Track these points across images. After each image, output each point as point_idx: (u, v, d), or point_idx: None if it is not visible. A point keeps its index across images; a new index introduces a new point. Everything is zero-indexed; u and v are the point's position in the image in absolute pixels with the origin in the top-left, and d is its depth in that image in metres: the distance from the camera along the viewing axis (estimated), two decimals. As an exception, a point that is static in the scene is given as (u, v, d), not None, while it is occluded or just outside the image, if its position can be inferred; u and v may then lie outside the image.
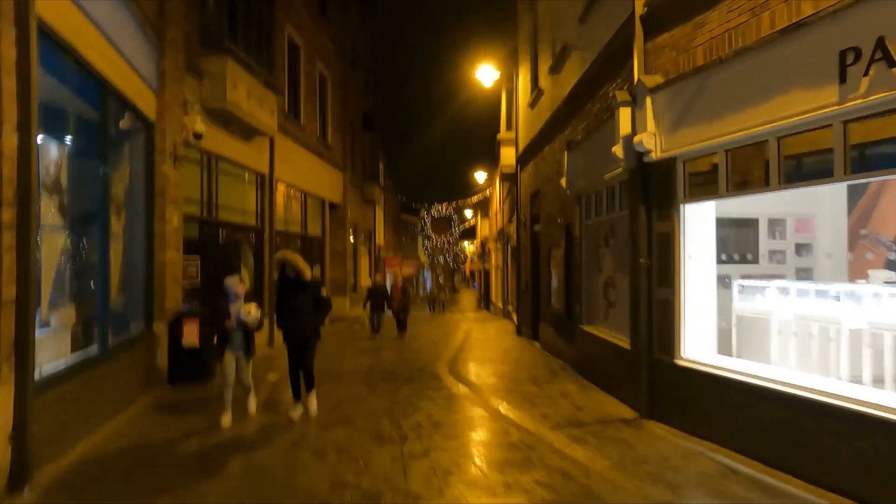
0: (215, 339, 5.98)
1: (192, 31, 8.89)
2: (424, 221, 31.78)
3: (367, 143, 23.25)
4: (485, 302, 33.88)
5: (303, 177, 14.24)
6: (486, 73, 14.67)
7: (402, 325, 13.84)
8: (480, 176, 28.03)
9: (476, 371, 9.07)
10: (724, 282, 5.83)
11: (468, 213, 37.64)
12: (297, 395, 6.22)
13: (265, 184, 11.87)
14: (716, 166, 4.99)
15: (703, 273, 5.42)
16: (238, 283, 6.00)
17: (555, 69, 9.87)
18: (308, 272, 6.11)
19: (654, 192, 5.70)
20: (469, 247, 51.50)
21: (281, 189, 12.98)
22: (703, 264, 5.43)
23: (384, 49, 28.17)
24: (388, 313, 14.26)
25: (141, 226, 7.42)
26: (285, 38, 13.10)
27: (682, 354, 5.38)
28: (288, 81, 13.32)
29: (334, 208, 17.87)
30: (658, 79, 5.49)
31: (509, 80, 15.72)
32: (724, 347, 5.49)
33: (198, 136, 8.40)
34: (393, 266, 32.22)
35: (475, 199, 28.93)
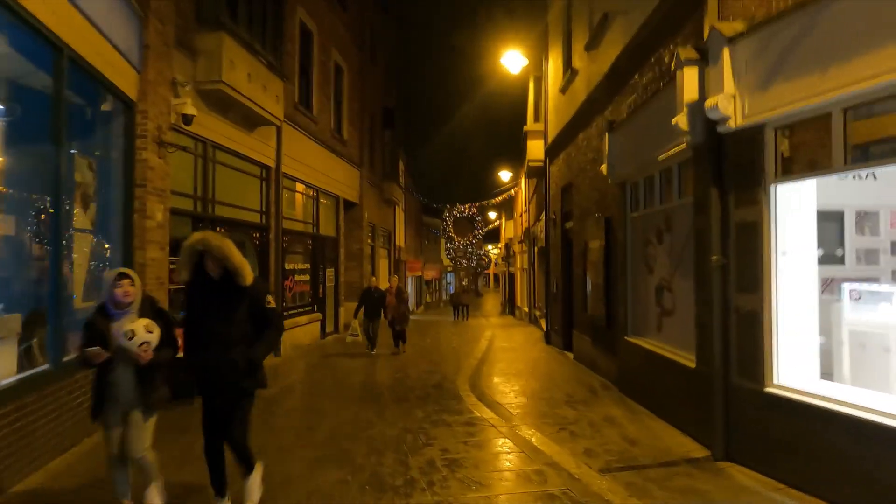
0: (93, 380, 3.56)
1: (187, 6, 7.97)
2: (447, 222, 30.64)
3: (386, 140, 22.28)
4: (509, 307, 32.60)
5: (315, 172, 13.28)
6: (512, 60, 13.54)
7: (399, 337, 11.61)
8: (505, 175, 26.83)
9: (502, 388, 7.90)
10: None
11: (492, 214, 36.46)
12: (218, 486, 3.60)
13: (271, 178, 10.92)
14: (823, 131, 3.76)
15: (801, 275, 4.18)
16: (125, 285, 3.51)
17: (592, 44, 8.67)
18: (247, 270, 3.56)
19: (732, 170, 4.48)
20: (493, 250, 50.27)
21: (289, 184, 12.02)
22: (802, 263, 4.19)
23: (405, 43, 27.19)
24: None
25: (117, 220, 6.48)
26: (297, 21, 12.17)
27: (774, 380, 4.15)
28: (299, 69, 12.39)
29: (350, 207, 16.90)
30: (739, 25, 4.28)
31: (537, 66, 14.54)
32: (830, 371, 4.23)
33: (188, 121, 7.44)
34: (415, 269, 31.20)
35: (499, 199, 27.71)
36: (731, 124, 4.29)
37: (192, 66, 8.04)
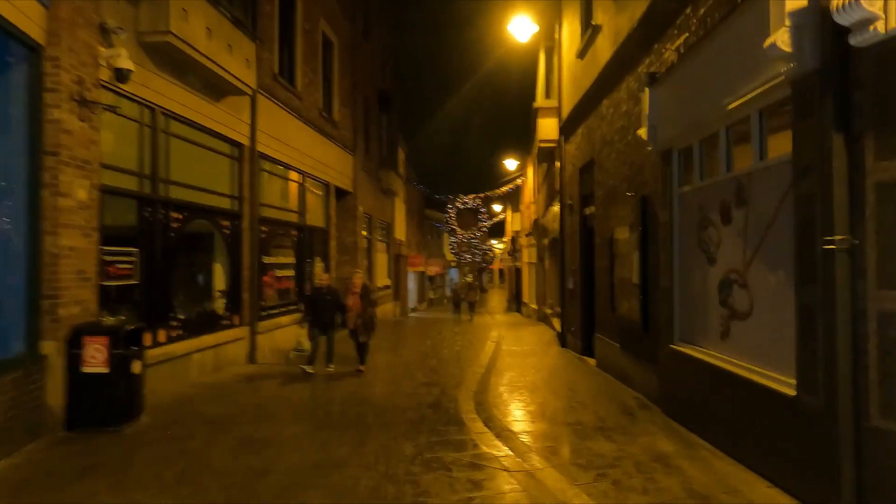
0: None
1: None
2: (449, 214, 29.13)
3: (383, 125, 20.78)
4: (516, 303, 31.11)
5: (300, 155, 11.80)
6: (521, 27, 12.05)
7: (360, 350, 8.76)
8: (511, 164, 25.30)
9: (515, 408, 6.42)
10: None
11: (497, 207, 34.92)
12: None
13: (244, 157, 9.44)
14: None
15: None
16: None
17: (620, -12, 7.16)
18: None
19: (872, 105, 2.99)
20: (497, 245, 48.72)
21: (269, 167, 10.55)
22: None
23: (402, 20, 25.58)
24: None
25: (19, 197, 5.03)
26: (274, -19, 10.68)
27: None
28: (280, 37, 10.89)
29: (343, 196, 15.42)
30: None
31: (548, 35, 13.02)
32: None
33: (123, 77, 5.96)
34: (416, 265, 29.73)
35: (504, 189, 26.19)
36: (882, 28, 2.77)
37: (132, 12, 6.56)
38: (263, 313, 10.17)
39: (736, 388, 4.30)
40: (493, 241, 51.14)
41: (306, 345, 8.88)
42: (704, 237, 5.06)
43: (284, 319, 10.96)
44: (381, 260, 20.51)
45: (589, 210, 9.53)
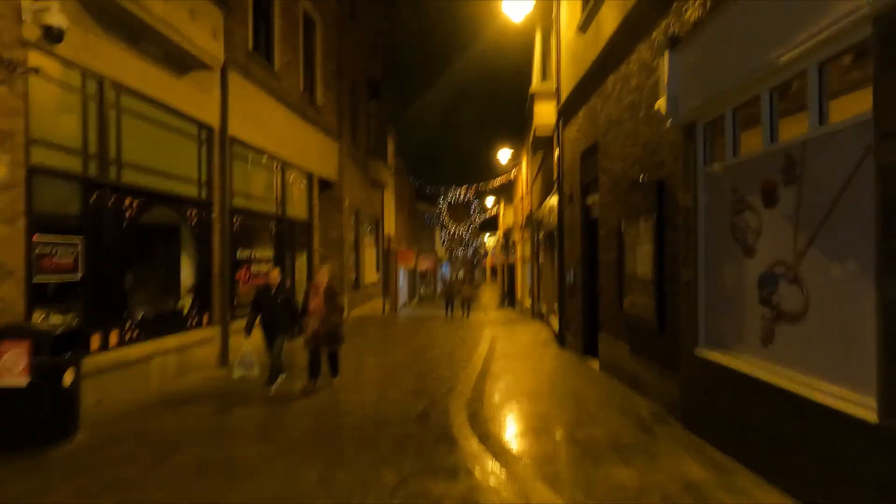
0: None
1: None
2: (441, 208, 28.30)
3: (371, 113, 19.90)
4: (509, 299, 30.40)
5: (279, 140, 10.93)
6: (515, 6, 11.19)
7: (330, 363, 7.23)
8: (504, 155, 24.50)
9: (514, 421, 5.64)
10: None
11: (489, 202, 34.12)
12: None
13: (214, 141, 8.57)
14: None
15: None
16: None
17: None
18: None
19: None
20: (490, 240, 47.95)
21: (242, 152, 9.67)
22: None
23: (394, 4, 24.64)
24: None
25: (-83, 175, 4.17)
26: (248, -51, 9.77)
27: None
28: (254, 10, 9.99)
29: (327, 187, 14.56)
30: None
31: (545, 16, 12.21)
32: None
33: (54, 36, 5.09)
34: (407, 260, 28.90)
35: (498, 181, 25.40)
36: None
37: (71, -34, 5.69)
38: (238, 312, 9.32)
39: (784, 405, 3.54)
40: (486, 236, 50.42)
41: (254, 360, 6.76)
42: (739, 223, 4.29)
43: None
44: (370, 255, 19.68)
45: (592, 199, 8.76)
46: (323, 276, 7.24)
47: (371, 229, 20.05)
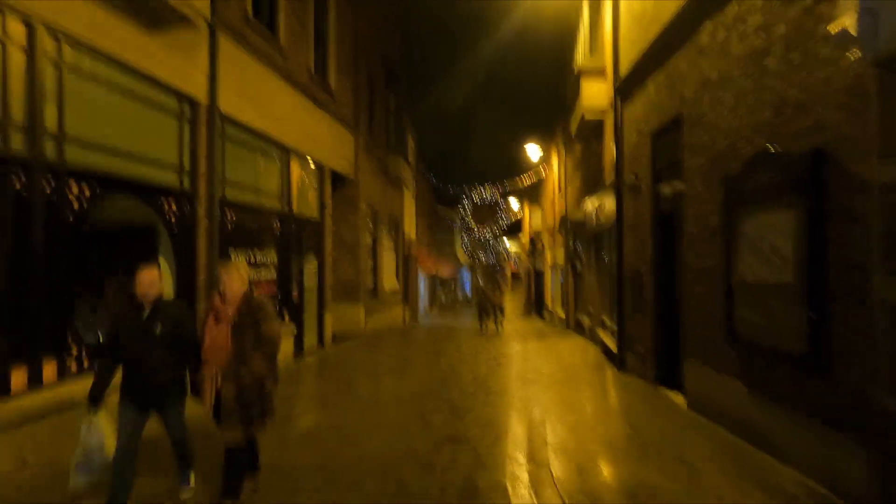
0: None
1: None
2: (465, 208, 26.57)
3: (390, 105, 18.29)
4: (536, 309, 28.48)
5: (283, 124, 9.33)
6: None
7: (229, 465, 3.66)
8: (533, 151, 22.68)
9: None
10: None
11: (514, 205, 32.29)
12: None
13: (199, 117, 6.97)
14: None
15: None
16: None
17: None
18: None
19: None
20: (512, 245, 46.01)
21: (236, 135, 8.07)
22: None
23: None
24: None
25: None
26: None
27: None
28: (254, -30, 8.43)
29: (341, 183, 12.96)
30: None
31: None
32: None
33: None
34: (428, 265, 27.22)
35: (527, 180, 23.58)
36: None
37: None
38: (230, 328, 7.69)
39: None
40: (508, 242, 48.51)
41: (105, 445, 3.51)
42: None
43: (261, 334, 8.48)
44: (389, 260, 18.02)
45: (669, 188, 6.96)
46: (233, 282, 3.71)
47: (390, 232, 18.41)
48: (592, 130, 11.29)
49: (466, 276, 51.32)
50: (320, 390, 7.56)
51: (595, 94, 10.43)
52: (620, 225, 8.82)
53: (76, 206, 5.07)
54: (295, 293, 10.01)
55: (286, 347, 9.35)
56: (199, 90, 6.90)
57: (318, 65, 11.26)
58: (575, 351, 11.67)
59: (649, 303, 7.53)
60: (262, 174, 9.05)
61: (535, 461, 4.53)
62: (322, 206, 11.42)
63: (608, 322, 10.83)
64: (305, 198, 10.71)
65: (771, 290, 4.43)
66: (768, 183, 4.45)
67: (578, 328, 16.07)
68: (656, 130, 7.28)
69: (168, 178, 6.54)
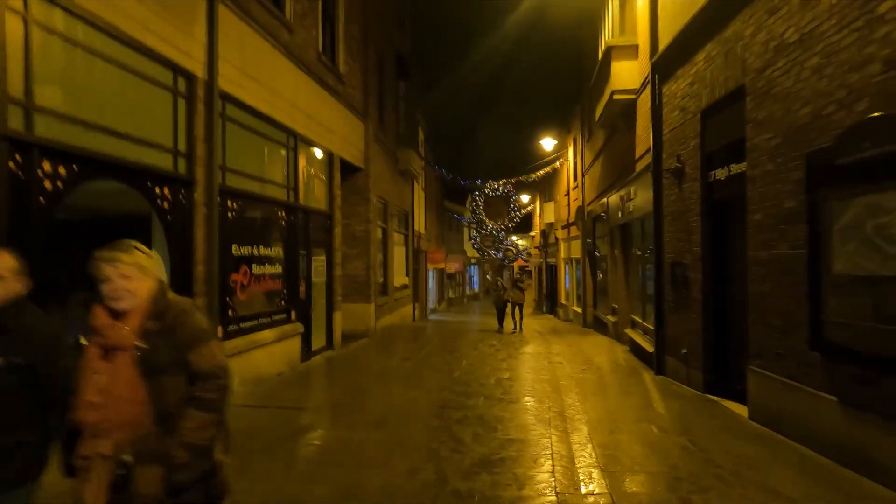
0: None
1: None
2: (477, 202, 25.75)
3: (400, 95, 17.53)
4: (548, 305, 27.69)
5: (290, 107, 8.59)
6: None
7: None
8: (548, 144, 21.88)
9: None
10: None
11: (524, 198, 31.46)
12: None
13: (197, 94, 6.23)
14: None
15: None
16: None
17: None
18: None
19: None
20: (519, 240, 45.15)
21: (239, 116, 7.33)
22: None
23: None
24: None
25: None
26: None
27: None
28: (257, -64, 7.67)
29: (351, 173, 12.23)
30: None
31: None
32: None
33: None
34: (437, 261, 26.47)
35: (542, 172, 22.76)
36: None
37: None
38: (232, 327, 7.00)
39: None
40: (514, 237, 47.63)
41: None
42: None
43: (267, 335, 7.78)
44: (399, 255, 17.29)
45: (724, 172, 6.18)
46: (125, 280, 2.07)
47: (400, 226, 17.67)
48: (620, 114, 10.49)
49: (474, 271, 50.55)
50: (331, 399, 6.84)
51: (626, 73, 9.63)
52: (659, 214, 8.04)
53: (49, 186, 4.35)
54: (302, 289, 9.29)
55: (291, 350, 8.64)
56: (195, 64, 6.16)
57: (326, 46, 10.50)
58: (601, 351, 10.90)
59: (697, 300, 6.75)
60: (267, 161, 8.32)
61: (592, 490, 3.79)
62: (331, 197, 10.69)
63: (639, 320, 10.06)
64: (313, 188, 9.98)
65: (883, 286, 3.66)
66: (877, 156, 3.67)
67: (599, 326, 15.31)
68: (707, 108, 6.49)
69: (161, 160, 5.80)
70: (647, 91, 8.83)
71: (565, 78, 15.97)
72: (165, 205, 5.83)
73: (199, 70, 6.22)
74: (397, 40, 17.02)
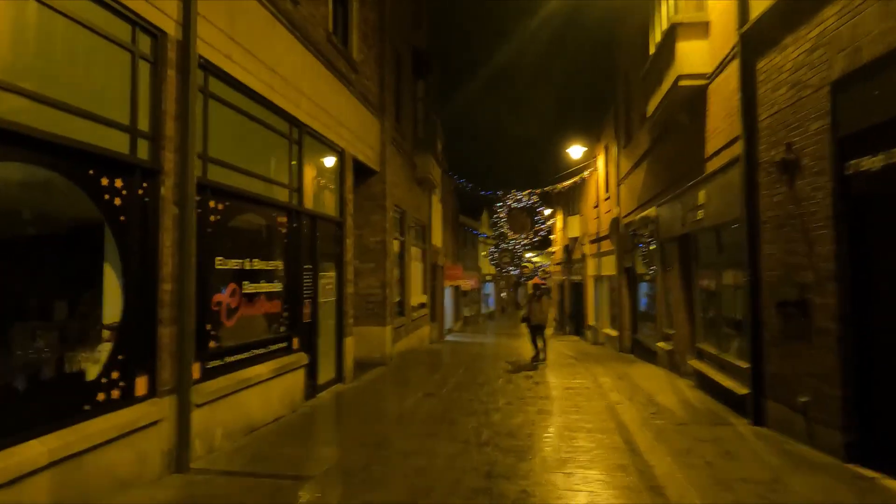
0: None
1: None
2: (498, 216, 24.18)
3: (418, 96, 16.10)
4: (573, 325, 25.85)
5: (293, 90, 7.10)
6: None
7: None
8: (576, 153, 20.32)
9: None
10: None
11: (545, 211, 29.86)
12: None
13: (165, 58, 4.72)
14: None
15: None
16: None
17: None
18: None
19: None
20: (535, 257, 43.50)
21: (226, 93, 5.81)
22: None
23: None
24: None
25: None
26: None
27: None
28: None
29: (364, 176, 10.73)
30: None
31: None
32: None
33: None
34: (455, 277, 24.85)
35: (569, 182, 21.18)
36: None
37: None
38: (214, 363, 5.41)
39: None
40: (529, 254, 45.92)
41: None
42: None
43: (261, 370, 6.17)
44: (416, 270, 15.71)
45: (875, 161, 4.53)
46: None
47: (417, 238, 16.11)
48: (683, 106, 8.90)
49: (489, 289, 48.81)
50: (340, 460, 5.18)
51: (696, 55, 8.05)
52: (754, 220, 6.37)
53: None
54: (307, 311, 7.71)
55: (292, 386, 7.02)
56: (164, 19, 4.67)
57: (337, 26, 9.07)
58: (660, 385, 9.16)
59: (829, 332, 5.06)
60: (264, 154, 6.81)
61: None
62: (342, 203, 9.15)
63: (711, 351, 8.34)
64: (321, 190, 8.45)
65: None
66: None
67: (641, 352, 13.56)
68: (843, 77, 4.87)
69: (112, 140, 4.28)
70: (726, 73, 7.25)
71: (592, 86, 14.48)
72: (117, 201, 4.29)
73: (169, 27, 4.72)
74: (415, 39, 15.63)
